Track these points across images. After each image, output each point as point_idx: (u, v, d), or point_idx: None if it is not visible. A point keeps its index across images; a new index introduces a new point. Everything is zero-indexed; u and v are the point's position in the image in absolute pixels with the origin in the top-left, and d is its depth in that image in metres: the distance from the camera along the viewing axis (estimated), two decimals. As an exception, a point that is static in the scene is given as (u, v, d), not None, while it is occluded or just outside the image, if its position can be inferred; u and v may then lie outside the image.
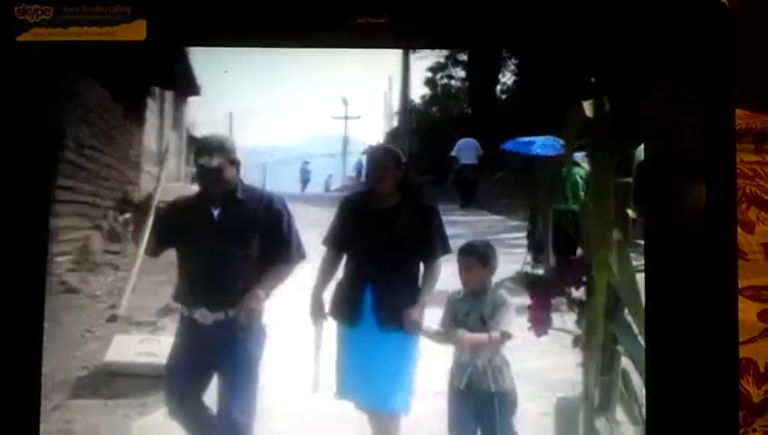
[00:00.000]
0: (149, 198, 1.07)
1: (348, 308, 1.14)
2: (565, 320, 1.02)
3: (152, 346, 1.03)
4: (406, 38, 0.91)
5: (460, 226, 1.29)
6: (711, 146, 0.87)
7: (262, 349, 1.10)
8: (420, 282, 1.15)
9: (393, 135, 1.15)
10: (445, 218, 1.19)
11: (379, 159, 1.13)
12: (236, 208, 1.09)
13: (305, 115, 1.02)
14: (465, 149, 1.22)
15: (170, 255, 1.07)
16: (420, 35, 0.90)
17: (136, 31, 0.91)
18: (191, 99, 0.97)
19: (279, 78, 0.91)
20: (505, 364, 1.10)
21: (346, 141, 1.16)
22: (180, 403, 1.05)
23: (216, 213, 1.09)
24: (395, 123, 1.17)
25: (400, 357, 1.13)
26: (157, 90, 1.04)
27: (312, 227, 1.13)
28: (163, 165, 1.12)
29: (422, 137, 1.21)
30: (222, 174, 1.06)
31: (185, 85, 0.91)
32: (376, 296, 1.14)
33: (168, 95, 1.05)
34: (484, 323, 1.10)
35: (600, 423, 0.95)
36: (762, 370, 1.07)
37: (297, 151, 1.16)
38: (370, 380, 1.13)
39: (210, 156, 1.04)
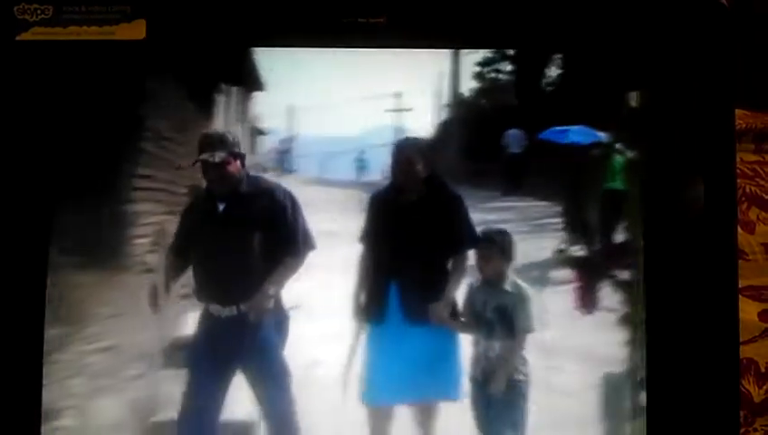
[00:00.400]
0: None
1: (374, 306, 1.12)
2: (611, 298, 1.02)
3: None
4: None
5: (507, 212, 1.28)
6: (711, 146, 0.88)
7: (281, 340, 1.09)
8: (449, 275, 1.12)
9: (443, 126, 1.16)
10: (492, 205, 1.20)
11: (402, 153, 1.10)
12: (241, 202, 1.08)
13: (360, 108, 1.04)
14: (512, 139, 1.22)
15: None
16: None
17: (135, 30, 0.91)
18: (255, 94, 0.99)
19: (336, 73, 0.93)
20: (521, 360, 1.08)
21: (398, 132, 1.17)
22: (198, 399, 1.06)
23: (221, 207, 1.08)
24: (444, 115, 1.18)
25: (436, 347, 1.11)
26: (224, 86, 1.06)
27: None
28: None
29: (471, 128, 1.20)
30: (225, 168, 1.06)
31: (249, 81, 0.94)
32: (401, 292, 1.12)
33: (234, 91, 1.08)
34: (503, 316, 1.08)
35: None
36: (762, 369, 1.07)
37: (353, 142, 1.18)
38: (410, 374, 1.11)
39: (212, 151, 1.04)
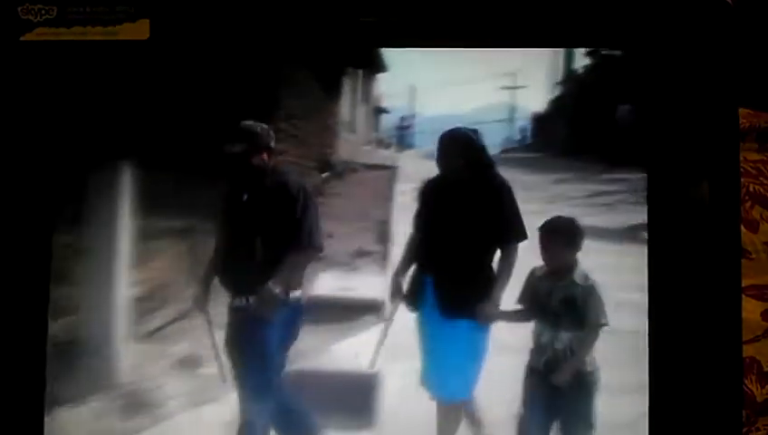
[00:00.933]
0: (343, 159, 1.24)
1: (410, 294, 1.11)
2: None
3: (348, 283, 1.13)
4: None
5: (615, 184, 1.30)
6: (715, 145, 0.88)
7: (288, 337, 1.09)
8: (495, 268, 1.10)
9: (556, 102, 1.17)
10: (601, 178, 1.17)
11: (444, 145, 1.10)
12: (261, 195, 1.08)
13: (478, 86, 1.06)
14: (623, 114, 1.22)
15: (365, 203, 1.20)
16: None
17: (139, 30, 0.91)
18: (378, 76, 1.04)
19: (455, 54, 0.95)
20: (590, 353, 1.05)
21: (513, 109, 1.19)
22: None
23: (245, 197, 1.09)
24: (558, 91, 1.19)
25: (461, 344, 1.09)
26: (350, 69, 1.08)
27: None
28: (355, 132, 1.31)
29: (582, 103, 1.20)
30: (247, 160, 1.07)
31: (373, 64, 0.98)
32: (436, 283, 1.10)
33: (360, 73, 1.12)
34: (571, 308, 1.04)
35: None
36: (765, 369, 1.07)
37: (470, 118, 1.21)
38: (433, 366, 1.11)
39: (233, 142, 1.05)
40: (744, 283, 1.04)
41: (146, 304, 1.10)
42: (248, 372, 1.06)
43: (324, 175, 1.26)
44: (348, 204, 1.17)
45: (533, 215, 1.13)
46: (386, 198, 1.22)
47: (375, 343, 1.11)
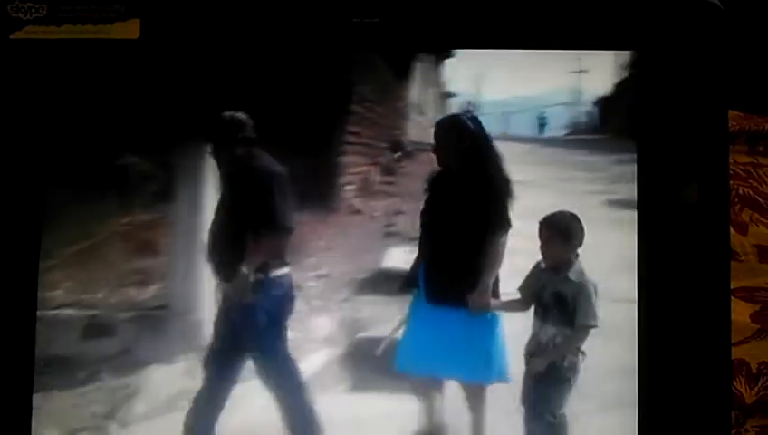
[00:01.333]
0: (412, 141, 1.31)
1: (406, 280, 1.12)
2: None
3: (412, 256, 1.13)
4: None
5: None
6: (704, 147, 0.88)
7: (280, 310, 1.09)
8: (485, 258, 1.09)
9: (619, 86, 1.19)
10: None
11: (436, 133, 1.10)
12: (236, 182, 1.10)
13: (543, 71, 1.07)
14: None
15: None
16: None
17: (130, 29, 0.91)
18: (446, 61, 1.07)
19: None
20: (574, 351, 1.04)
21: (579, 92, 1.21)
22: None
23: (222, 186, 1.10)
24: (623, 74, 1.21)
25: (458, 331, 1.09)
26: (419, 54, 1.17)
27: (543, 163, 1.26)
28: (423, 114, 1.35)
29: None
30: (226, 149, 1.08)
31: (441, 50, 1.02)
32: (425, 270, 1.10)
33: (429, 58, 1.15)
34: (560, 303, 1.03)
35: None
36: (754, 371, 1.07)
37: (535, 102, 1.24)
38: (412, 345, 1.11)
39: (214, 132, 1.07)
40: (734, 285, 1.05)
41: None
42: (220, 352, 1.07)
43: (395, 155, 1.30)
44: (417, 182, 1.20)
45: (596, 194, 1.18)
46: None
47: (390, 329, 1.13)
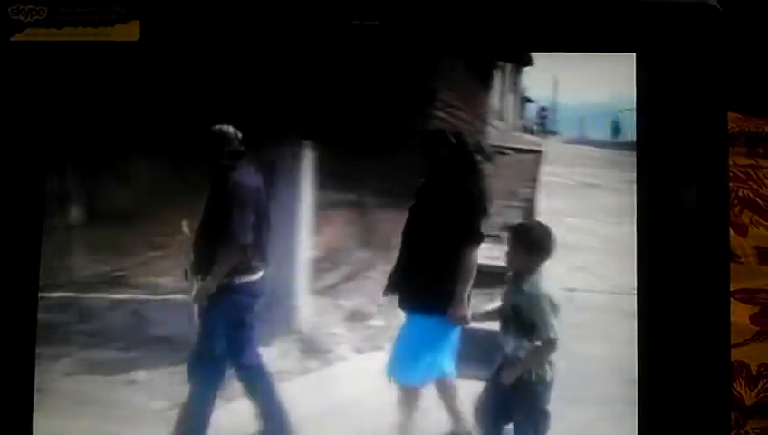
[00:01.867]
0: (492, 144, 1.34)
1: (386, 286, 1.14)
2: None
3: (494, 253, 1.17)
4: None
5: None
6: (704, 149, 0.88)
7: (243, 328, 1.13)
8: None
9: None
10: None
11: (420, 144, 1.13)
12: (211, 196, 1.13)
13: (614, 78, 1.10)
14: None
15: (513, 183, 1.29)
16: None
17: (130, 31, 0.91)
18: (524, 68, 1.12)
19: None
20: (541, 364, 1.04)
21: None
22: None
23: (206, 198, 1.14)
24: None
25: (414, 336, 1.11)
26: (499, 62, 1.23)
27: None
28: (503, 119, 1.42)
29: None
30: (213, 162, 1.11)
31: (521, 58, 1.07)
32: (400, 277, 1.12)
33: (508, 66, 1.24)
34: (517, 315, 1.03)
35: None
36: (754, 372, 1.07)
37: (606, 107, 1.27)
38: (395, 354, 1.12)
39: (206, 146, 1.09)
40: (734, 286, 1.05)
41: (322, 264, 1.25)
42: (194, 357, 1.09)
43: (476, 158, 1.33)
44: (497, 183, 1.24)
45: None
46: (531, 178, 1.33)
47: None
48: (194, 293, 1.11)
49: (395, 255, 1.14)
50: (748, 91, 1.14)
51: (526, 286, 1.03)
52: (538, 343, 1.02)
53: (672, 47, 0.88)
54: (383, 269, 1.15)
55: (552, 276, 1.05)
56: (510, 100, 1.37)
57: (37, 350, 0.92)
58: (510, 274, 1.06)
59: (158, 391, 1.05)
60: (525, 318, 1.03)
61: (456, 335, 1.12)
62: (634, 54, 0.90)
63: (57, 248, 0.99)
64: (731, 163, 1.15)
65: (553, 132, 1.36)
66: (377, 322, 1.19)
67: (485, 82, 1.28)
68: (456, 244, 1.10)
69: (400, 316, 1.13)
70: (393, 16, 0.94)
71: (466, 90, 1.26)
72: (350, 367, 1.17)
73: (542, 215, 1.18)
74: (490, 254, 1.15)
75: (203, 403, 1.07)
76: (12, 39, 0.90)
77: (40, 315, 0.92)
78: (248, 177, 1.12)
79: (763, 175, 1.16)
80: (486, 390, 1.06)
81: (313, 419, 1.04)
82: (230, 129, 1.09)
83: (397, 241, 1.13)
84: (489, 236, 1.17)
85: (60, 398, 0.98)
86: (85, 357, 1.05)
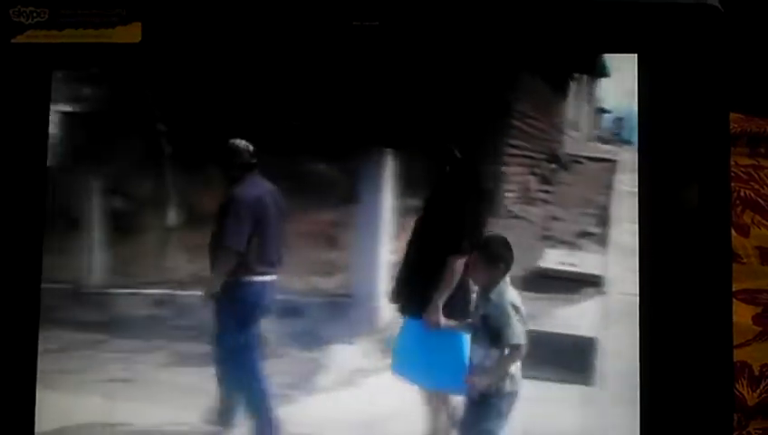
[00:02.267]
0: (567, 153, 1.40)
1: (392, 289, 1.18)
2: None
3: (571, 259, 1.23)
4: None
5: None
6: (706, 149, 0.88)
7: (244, 329, 1.16)
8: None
9: None
10: None
11: (431, 156, 1.15)
12: (222, 204, 1.19)
13: None
14: None
15: (588, 191, 1.30)
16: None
17: (131, 33, 0.91)
18: (600, 79, 1.16)
19: None
20: (504, 375, 1.06)
21: None
22: None
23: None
24: None
25: (414, 339, 1.13)
26: (576, 75, 1.26)
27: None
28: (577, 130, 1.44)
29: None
30: (227, 174, 1.17)
31: (597, 70, 1.11)
32: (397, 283, 1.15)
33: (584, 78, 1.27)
34: (485, 324, 1.06)
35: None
36: (756, 373, 1.07)
37: None
38: (414, 360, 1.13)
39: (222, 159, 1.15)
40: (736, 287, 1.05)
41: (402, 267, 1.35)
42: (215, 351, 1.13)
43: (551, 166, 1.40)
44: (573, 192, 1.31)
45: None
46: (606, 186, 1.33)
47: None
48: (204, 291, 1.14)
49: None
50: (750, 91, 1.14)
51: (493, 296, 1.06)
52: (506, 350, 1.04)
53: (674, 47, 0.88)
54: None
55: (621, 281, 1.06)
56: (585, 110, 1.39)
57: (136, 343, 1.05)
58: (477, 287, 1.09)
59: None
60: (492, 327, 1.05)
61: (459, 346, 1.13)
62: (636, 55, 0.91)
63: (156, 248, 1.14)
64: (733, 163, 1.15)
65: (628, 142, 1.39)
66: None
67: (561, 93, 1.31)
68: (441, 254, 1.12)
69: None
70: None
71: (542, 100, 1.30)
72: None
73: (615, 222, 1.20)
74: (567, 260, 1.20)
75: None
76: (13, 41, 0.90)
77: (140, 311, 1.06)
78: (250, 189, 1.17)
79: (765, 175, 1.16)
80: (462, 402, 1.08)
81: (395, 414, 1.07)
82: (242, 142, 1.14)
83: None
84: (564, 242, 1.21)
85: (156, 386, 1.07)
86: (179, 350, 1.11)
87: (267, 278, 1.18)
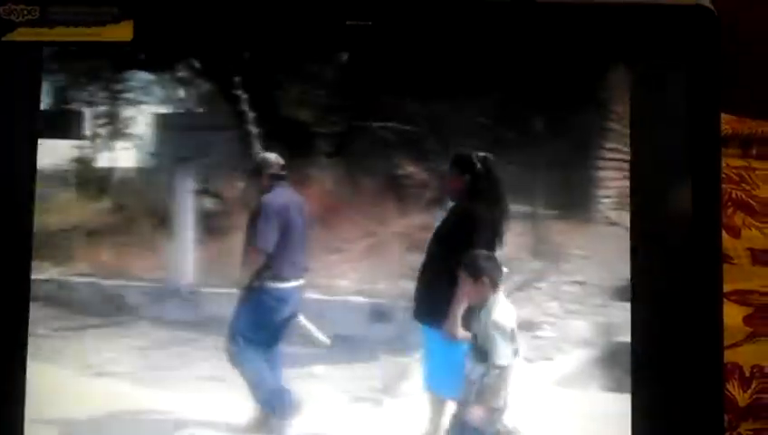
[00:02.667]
0: None
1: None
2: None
3: None
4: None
5: None
6: (697, 150, 0.88)
7: (271, 316, 1.20)
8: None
9: None
10: None
11: (450, 167, 1.14)
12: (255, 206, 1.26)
13: None
14: None
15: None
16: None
17: (123, 31, 0.91)
18: None
19: None
20: (494, 393, 1.04)
21: None
22: None
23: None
24: None
25: (426, 347, 1.13)
26: None
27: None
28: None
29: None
30: (255, 185, 1.23)
31: None
32: (416, 290, 1.13)
33: None
34: (475, 341, 1.05)
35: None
36: (747, 374, 1.08)
37: None
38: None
39: (250, 170, 1.22)
40: (727, 288, 1.05)
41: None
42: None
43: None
44: None
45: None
46: None
47: None
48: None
49: (566, 267, 1.17)
50: (742, 92, 1.14)
51: (482, 315, 1.04)
52: (495, 371, 1.03)
53: (666, 49, 0.88)
54: (553, 280, 1.19)
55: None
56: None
57: (224, 343, 1.09)
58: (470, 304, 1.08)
59: (337, 385, 1.15)
60: (480, 345, 1.04)
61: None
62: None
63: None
64: (724, 165, 1.15)
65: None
66: (545, 332, 1.19)
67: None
68: (453, 268, 1.08)
69: (571, 327, 1.15)
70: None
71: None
72: (517, 375, 1.14)
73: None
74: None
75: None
76: (3, 39, 0.90)
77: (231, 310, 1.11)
78: (278, 196, 1.23)
79: (756, 177, 1.17)
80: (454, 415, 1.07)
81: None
82: (273, 156, 1.20)
83: (568, 254, 1.17)
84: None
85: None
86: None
87: (291, 284, 1.22)
